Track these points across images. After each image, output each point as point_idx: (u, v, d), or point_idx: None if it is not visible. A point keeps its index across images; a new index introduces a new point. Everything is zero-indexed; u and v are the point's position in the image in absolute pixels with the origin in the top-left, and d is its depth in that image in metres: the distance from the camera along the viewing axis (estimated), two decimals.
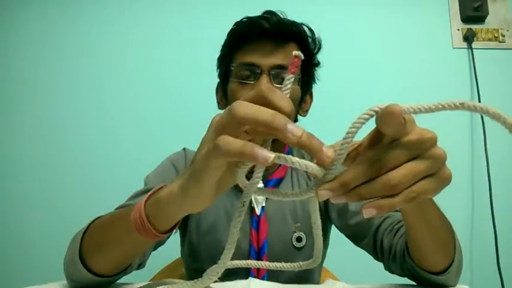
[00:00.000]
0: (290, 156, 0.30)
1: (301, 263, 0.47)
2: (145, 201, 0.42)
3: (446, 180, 0.32)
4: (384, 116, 0.29)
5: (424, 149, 0.31)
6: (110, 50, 1.51)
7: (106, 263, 0.52)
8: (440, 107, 0.28)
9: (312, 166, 0.30)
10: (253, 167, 0.33)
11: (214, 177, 0.34)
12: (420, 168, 0.30)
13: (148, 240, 0.44)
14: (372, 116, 0.29)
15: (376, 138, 0.32)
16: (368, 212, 0.30)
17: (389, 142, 0.31)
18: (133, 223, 0.42)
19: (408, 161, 0.30)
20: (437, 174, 0.31)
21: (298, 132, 0.29)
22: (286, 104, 0.31)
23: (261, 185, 0.78)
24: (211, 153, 0.31)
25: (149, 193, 0.42)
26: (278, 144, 0.82)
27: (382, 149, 0.31)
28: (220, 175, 0.34)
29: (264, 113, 0.30)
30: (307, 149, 0.30)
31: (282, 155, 0.30)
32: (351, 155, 0.33)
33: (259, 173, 0.32)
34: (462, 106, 0.28)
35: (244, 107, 0.31)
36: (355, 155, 0.33)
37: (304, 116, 0.86)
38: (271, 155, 0.29)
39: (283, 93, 0.32)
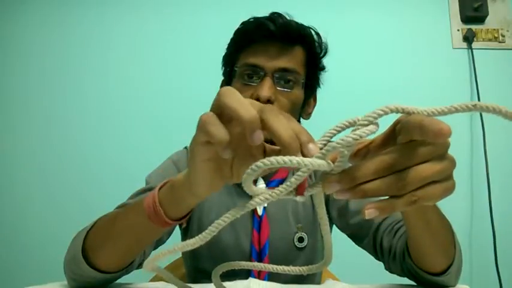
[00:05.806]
0: (282, 157, 0.29)
1: (310, 266, 0.45)
2: (159, 188, 0.44)
3: (449, 189, 0.31)
4: (430, 132, 0.27)
5: (438, 154, 0.30)
6: (114, 50, 1.52)
7: (113, 256, 0.52)
8: (453, 109, 0.28)
9: (317, 162, 0.29)
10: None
11: (203, 155, 0.35)
12: (429, 173, 0.29)
13: (157, 229, 0.46)
14: (381, 115, 0.29)
15: (390, 137, 0.32)
16: (370, 213, 0.29)
17: (404, 142, 0.30)
18: (146, 209, 0.44)
19: (420, 163, 0.29)
20: (443, 182, 0.30)
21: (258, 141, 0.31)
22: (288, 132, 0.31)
23: (262, 185, 0.77)
24: (197, 129, 0.34)
25: (163, 182, 0.45)
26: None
27: (397, 148, 0.30)
28: (209, 154, 0.35)
29: (243, 111, 0.31)
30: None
31: (271, 159, 0.29)
32: (361, 152, 0.33)
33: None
34: (475, 107, 0.27)
35: (230, 98, 0.32)
36: (365, 153, 0.33)
37: (307, 119, 0.86)
38: (228, 152, 0.32)
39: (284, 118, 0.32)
